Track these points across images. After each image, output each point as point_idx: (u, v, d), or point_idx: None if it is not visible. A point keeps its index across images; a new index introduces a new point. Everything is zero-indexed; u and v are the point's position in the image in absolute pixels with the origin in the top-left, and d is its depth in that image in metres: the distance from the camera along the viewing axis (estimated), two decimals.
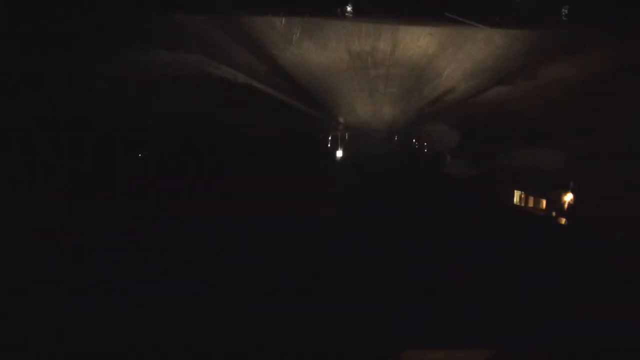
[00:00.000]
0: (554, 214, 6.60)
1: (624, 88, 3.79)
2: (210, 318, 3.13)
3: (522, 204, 7.62)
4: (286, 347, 2.85)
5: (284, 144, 11.24)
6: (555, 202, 6.26)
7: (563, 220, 6.28)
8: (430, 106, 10.01)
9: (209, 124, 7.13)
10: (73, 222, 4.04)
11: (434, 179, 10.08)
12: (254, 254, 4.36)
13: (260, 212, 6.20)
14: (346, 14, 3.19)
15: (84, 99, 3.98)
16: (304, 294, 3.52)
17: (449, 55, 5.01)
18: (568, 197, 5.67)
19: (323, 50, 5.40)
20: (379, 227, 5.89)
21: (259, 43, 4.81)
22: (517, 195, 7.67)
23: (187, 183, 6.19)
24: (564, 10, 2.94)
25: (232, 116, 8.04)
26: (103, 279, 3.53)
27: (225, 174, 7.21)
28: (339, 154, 16.38)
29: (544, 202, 7.00)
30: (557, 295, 3.53)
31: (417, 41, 4.65)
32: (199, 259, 4.18)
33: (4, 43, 3.16)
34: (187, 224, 5.08)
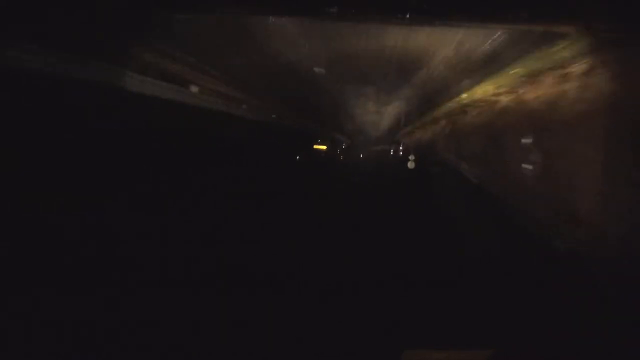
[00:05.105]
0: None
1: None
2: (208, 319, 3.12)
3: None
4: (285, 346, 2.84)
5: (278, 146, 11.24)
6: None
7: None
8: (431, 109, 10.00)
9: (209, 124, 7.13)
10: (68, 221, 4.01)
11: (434, 178, 10.09)
12: (253, 251, 4.35)
13: (259, 210, 6.20)
14: (348, 14, 3.15)
15: (82, 100, 3.97)
16: (303, 292, 3.51)
17: (453, 55, 4.98)
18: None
19: (321, 52, 5.38)
20: (377, 225, 5.88)
21: (256, 43, 4.78)
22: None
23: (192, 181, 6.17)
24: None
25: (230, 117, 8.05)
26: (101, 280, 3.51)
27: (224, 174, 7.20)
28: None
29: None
30: (558, 295, 3.52)
31: (420, 41, 4.62)
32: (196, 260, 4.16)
33: (3, 43, 3.15)
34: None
